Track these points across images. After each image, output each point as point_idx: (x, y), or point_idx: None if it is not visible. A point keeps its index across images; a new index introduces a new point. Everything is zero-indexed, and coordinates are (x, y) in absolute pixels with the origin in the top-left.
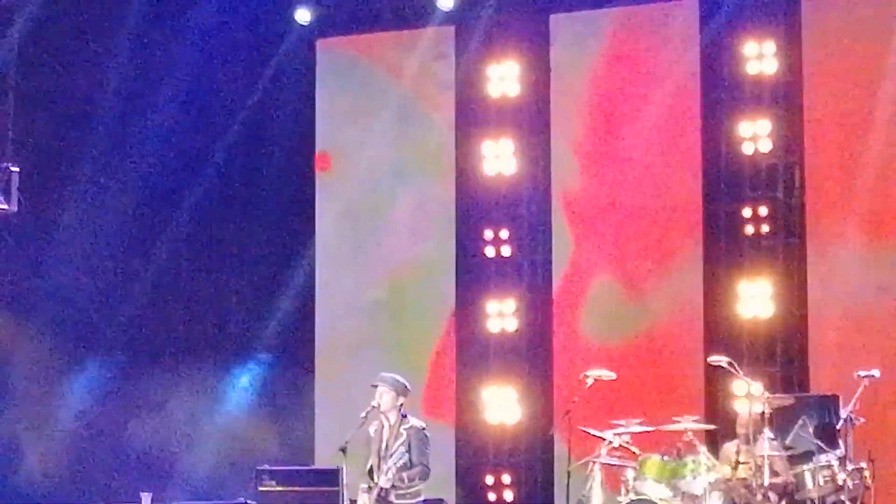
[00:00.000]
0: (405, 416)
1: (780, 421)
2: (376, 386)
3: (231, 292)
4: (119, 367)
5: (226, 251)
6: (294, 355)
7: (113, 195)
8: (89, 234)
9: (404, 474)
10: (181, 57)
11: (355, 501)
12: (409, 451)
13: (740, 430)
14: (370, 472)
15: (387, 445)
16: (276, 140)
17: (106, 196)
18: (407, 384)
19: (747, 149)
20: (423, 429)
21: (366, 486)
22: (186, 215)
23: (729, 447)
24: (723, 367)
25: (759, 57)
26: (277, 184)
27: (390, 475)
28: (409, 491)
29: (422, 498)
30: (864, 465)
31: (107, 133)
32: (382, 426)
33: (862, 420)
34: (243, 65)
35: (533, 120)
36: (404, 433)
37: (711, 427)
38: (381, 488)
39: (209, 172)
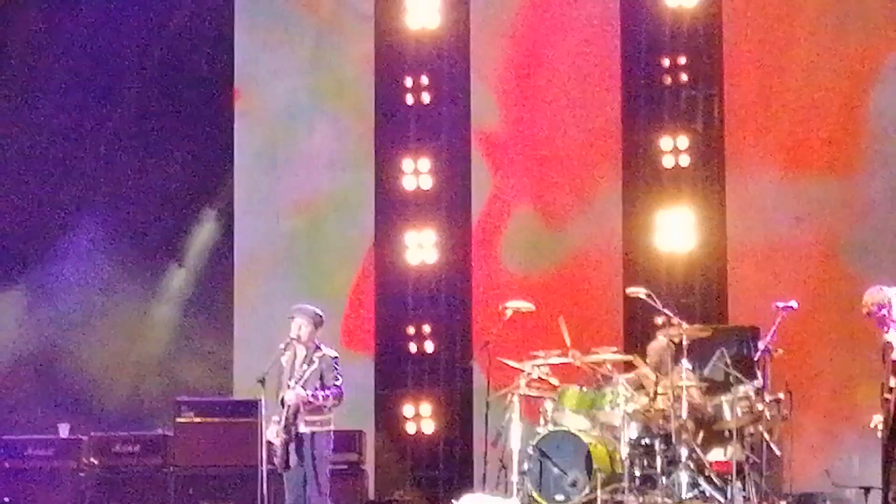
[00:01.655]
0: (318, 346)
1: (698, 352)
2: (293, 318)
3: (150, 228)
4: (35, 293)
5: (144, 186)
6: (213, 287)
7: (21, 137)
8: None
9: (318, 393)
10: None
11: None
12: (321, 377)
13: (652, 361)
14: (282, 401)
15: (298, 374)
16: (193, 73)
17: (13, 139)
18: (322, 315)
19: (667, 80)
20: (335, 357)
21: (277, 416)
22: (101, 154)
23: (641, 372)
24: (641, 299)
25: None
26: (196, 117)
27: (298, 391)
28: (318, 418)
29: (332, 427)
30: (781, 395)
31: (15, 74)
32: (295, 356)
33: (780, 351)
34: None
35: (452, 52)
36: (316, 360)
37: (629, 358)
38: (288, 414)
39: (125, 108)
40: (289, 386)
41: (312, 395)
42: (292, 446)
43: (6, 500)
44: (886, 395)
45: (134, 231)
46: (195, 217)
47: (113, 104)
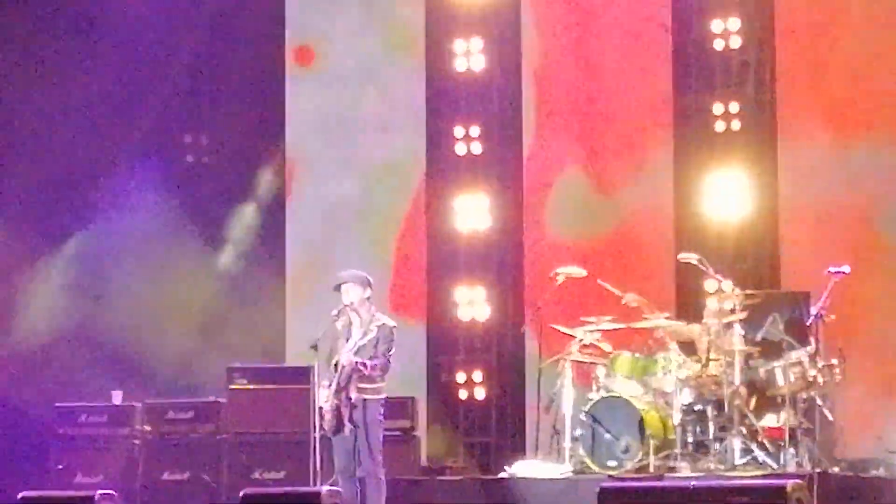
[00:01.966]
0: (375, 313)
1: (751, 317)
2: (339, 285)
3: (202, 189)
4: (85, 260)
5: (196, 148)
6: (265, 252)
7: (79, 91)
8: (57, 129)
9: (367, 362)
10: None
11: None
12: (375, 346)
13: (708, 322)
14: (335, 366)
15: (355, 341)
16: (245, 36)
17: (72, 94)
18: (369, 277)
19: (718, 45)
20: (393, 327)
21: (327, 382)
22: (155, 111)
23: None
24: (693, 265)
25: None
26: (248, 80)
27: (350, 356)
28: (370, 386)
29: (384, 395)
30: (834, 361)
31: (73, 30)
32: (351, 322)
33: (832, 317)
34: None
35: (503, 18)
36: (374, 329)
37: (683, 324)
38: (341, 375)
39: (177, 70)
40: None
41: (361, 363)
42: (345, 411)
43: (60, 466)
44: None
45: (185, 197)
46: (248, 183)
47: (166, 64)
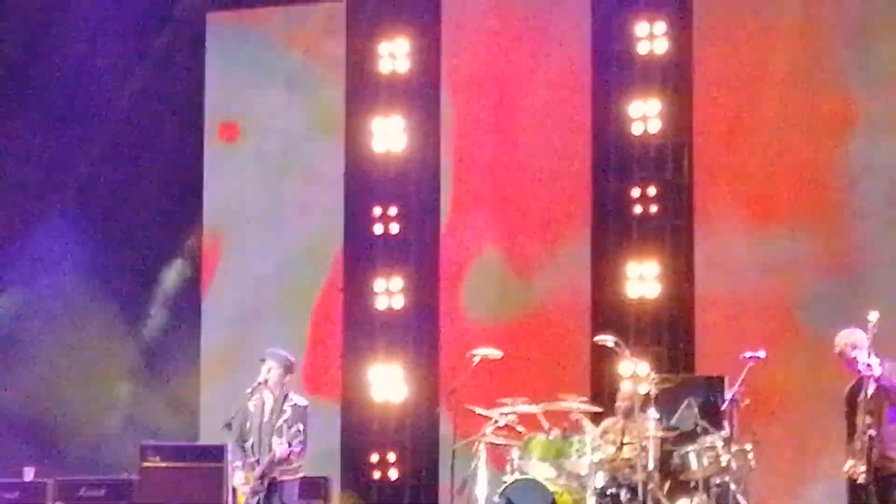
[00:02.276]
0: (287, 393)
1: (666, 401)
2: (263, 360)
3: (120, 263)
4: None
5: (114, 222)
6: (179, 328)
7: (6, 145)
8: None
9: (294, 449)
10: (70, 28)
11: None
12: (290, 427)
13: (621, 405)
14: (252, 447)
15: (269, 421)
16: (165, 114)
17: None
18: (293, 360)
19: (637, 129)
20: (306, 406)
21: (241, 462)
22: (80, 173)
23: (607, 423)
24: (609, 347)
25: (650, 37)
26: (167, 157)
27: (285, 446)
28: (289, 467)
29: (301, 475)
30: (748, 446)
31: (5, 81)
32: (264, 402)
33: (747, 402)
34: (133, 36)
35: (423, 97)
36: (288, 409)
37: (597, 409)
38: (271, 460)
39: (95, 147)
40: (261, 433)
41: (291, 451)
42: (261, 495)
43: None
44: (868, 434)
45: (102, 268)
46: (164, 261)
47: (94, 127)
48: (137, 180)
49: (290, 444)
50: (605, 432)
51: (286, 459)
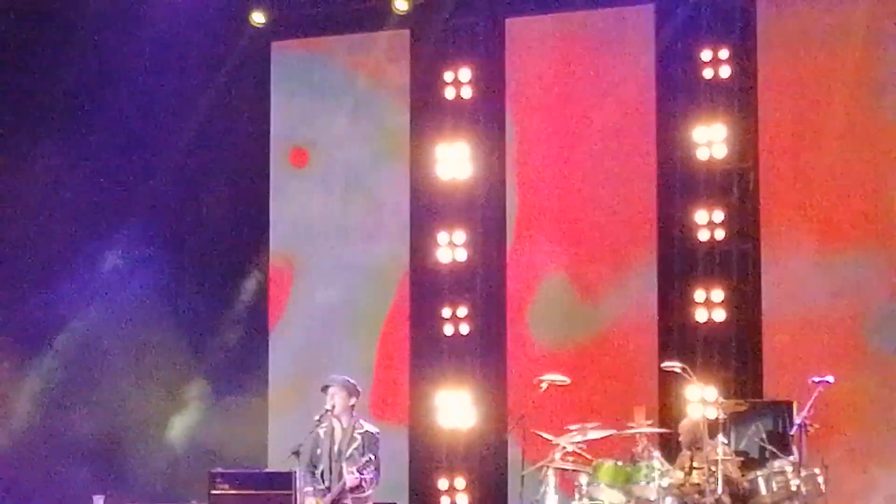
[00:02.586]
0: (358, 419)
1: (734, 426)
2: (327, 387)
3: (188, 292)
4: (70, 362)
5: (181, 252)
6: (247, 357)
7: (67, 200)
8: (50, 215)
9: (366, 477)
10: (136, 58)
11: None
12: (362, 455)
13: (683, 439)
14: (321, 475)
15: (339, 449)
16: (230, 142)
17: (55, 202)
18: (357, 385)
19: (702, 154)
20: (377, 433)
21: (311, 489)
22: (145, 208)
23: (684, 455)
24: (677, 373)
25: (715, 63)
26: (233, 185)
27: (356, 475)
28: (361, 495)
29: (371, 502)
30: (817, 471)
31: (61, 132)
32: (333, 428)
33: (816, 426)
34: (198, 66)
35: (488, 124)
36: (359, 437)
37: (665, 430)
38: (342, 489)
39: (164, 172)
40: (332, 461)
41: (363, 479)
42: None
43: None
44: None
45: (170, 297)
46: (233, 285)
47: (161, 152)
48: (205, 205)
49: (361, 473)
50: (681, 465)
51: (358, 487)
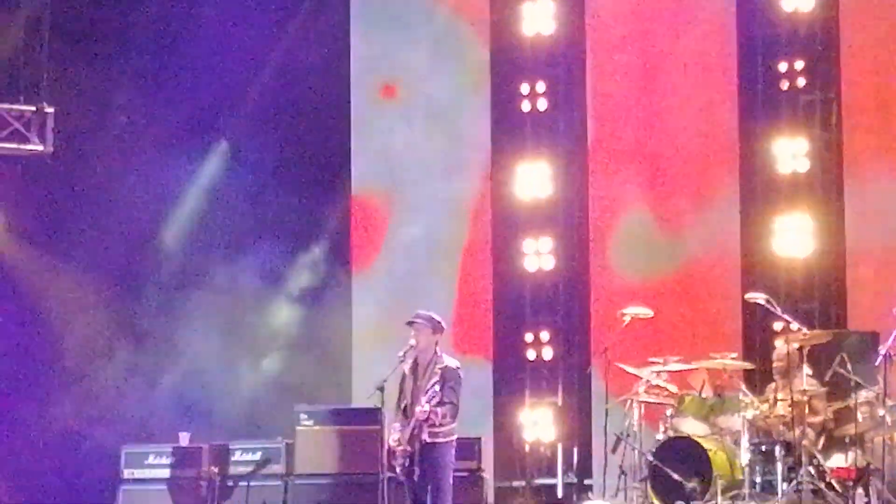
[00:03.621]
0: (440, 354)
1: (819, 358)
2: (412, 324)
3: (267, 230)
4: (154, 305)
5: (261, 189)
6: (330, 293)
7: (147, 134)
8: (123, 173)
9: (438, 410)
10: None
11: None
12: (441, 389)
13: (777, 366)
14: (404, 410)
15: (421, 384)
16: (310, 78)
17: (140, 136)
18: (442, 322)
19: (783, 85)
20: (458, 368)
21: (397, 424)
22: (222, 153)
23: (769, 387)
24: (760, 304)
25: None
26: (313, 121)
27: (426, 407)
28: (440, 430)
29: (455, 437)
30: None
31: (140, 73)
32: (417, 364)
33: None
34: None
35: (568, 58)
36: (438, 372)
37: (749, 365)
38: (416, 422)
39: (245, 109)
40: (413, 397)
41: (433, 412)
42: (416, 456)
43: None
44: None
45: (255, 237)
46: (314, 221)
47: (234, 103)
48: (286, 143)
49: (430, 405)
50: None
51: (428, 421)
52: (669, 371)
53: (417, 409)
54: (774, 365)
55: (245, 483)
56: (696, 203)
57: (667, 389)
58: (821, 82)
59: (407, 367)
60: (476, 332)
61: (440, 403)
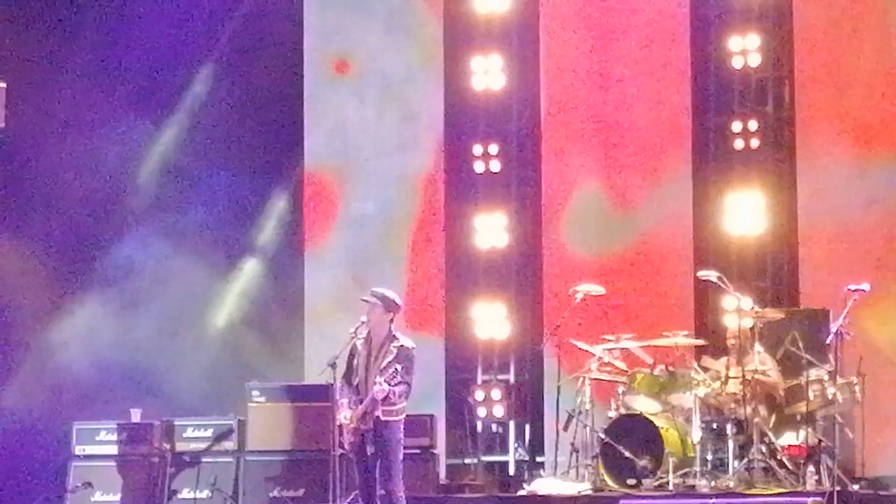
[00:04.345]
0: (395, 333)
1: (770, 335)
2: (367, 300)
3: (219, 205)
4: (106, 280)
5: (213, 165)
6: (282, 269)
7: (100, 108)
8: (77, 146)
9: (395, 389)
10: None
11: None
12: (395, 368)
13: (730, 344)
14: (356, 386)
15: (375, 360)
16: (263, 53)
17: (93, 109)
18: (397, 300)
19: (737, 63)
20: (412, 348)
21: (347, 400)
22: (174, 127)
23: (720, 363)
24: (712, 282)
25: None
26: (265, 97)
27: (385, 387)
28: (393, 408)
29: (404, 415)
30: (854, 379)
31: (92, 46)
32: (370, 341)
33: (852, 335)
34: None
35: (521, 35)
36: (394, 350)
37: (701, 342)
38: (371, 401)
39: (198, 83)
40: (368, 372)
41: (391, 392)
42: (368, 433)
43: (79, 485)
44: None
45: (203, 213)
46: (266, 196)
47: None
48: (238, 119)
49: (389, 385)
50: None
51: (386, 400)
52: (621, 348)
53: (376, 387)
54: (728, 345)
55: (197, 460)
56: (649, 180)
57: (619, 367)
58: (773, 59)
59: (359, 343)
60: (428, 309)
61: (398, 383)
